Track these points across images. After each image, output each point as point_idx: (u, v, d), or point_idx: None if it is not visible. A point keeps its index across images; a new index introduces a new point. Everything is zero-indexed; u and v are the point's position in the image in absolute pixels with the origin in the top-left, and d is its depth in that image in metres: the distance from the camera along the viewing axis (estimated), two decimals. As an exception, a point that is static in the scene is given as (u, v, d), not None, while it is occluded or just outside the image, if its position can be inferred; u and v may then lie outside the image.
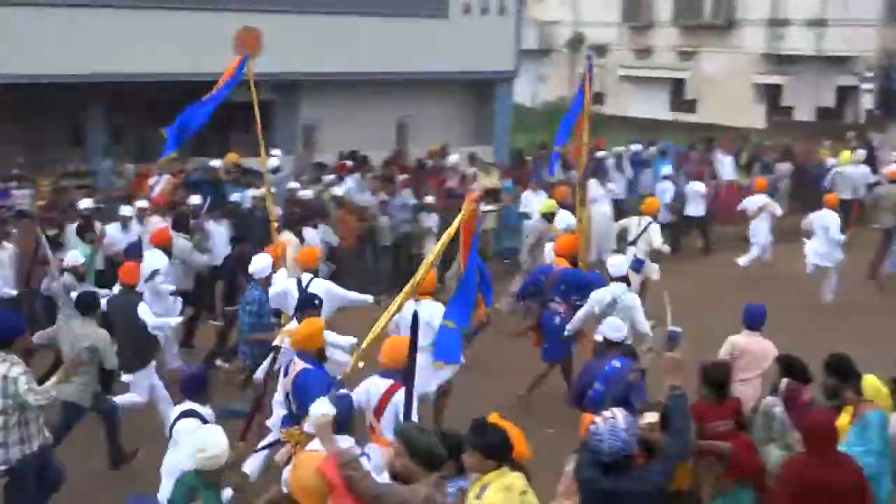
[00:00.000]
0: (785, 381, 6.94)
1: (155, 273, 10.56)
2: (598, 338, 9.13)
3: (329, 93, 20.10)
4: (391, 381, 6.81)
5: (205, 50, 17.30)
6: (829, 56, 31.66)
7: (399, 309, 6.87)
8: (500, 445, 5.20)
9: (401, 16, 19.98)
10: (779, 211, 16.00)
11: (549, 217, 13.24)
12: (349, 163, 17.38)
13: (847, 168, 18.70)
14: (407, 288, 6.86)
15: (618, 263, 10.13)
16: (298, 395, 6.88)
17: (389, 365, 6.89)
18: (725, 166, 20.05)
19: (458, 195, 16.30)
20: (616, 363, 7.91)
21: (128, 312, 9.30)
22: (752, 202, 15.98)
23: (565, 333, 10.08)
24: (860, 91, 31.03)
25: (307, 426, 6.01)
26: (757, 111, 33.15)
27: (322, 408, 5.47)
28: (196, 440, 5.61)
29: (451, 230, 7.03)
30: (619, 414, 5.20)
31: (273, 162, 16.08)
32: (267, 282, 9.61)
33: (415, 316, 6.36)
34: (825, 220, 14.37)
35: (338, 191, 15.08)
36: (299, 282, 9.42)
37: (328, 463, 5.11)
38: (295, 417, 6.93)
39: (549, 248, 11.44)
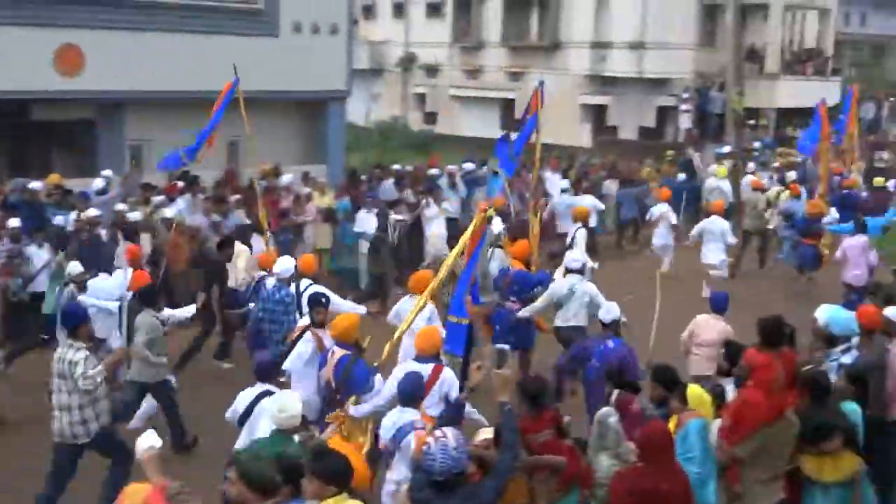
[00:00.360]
0: (616, 391, 7.14)
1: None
2: (558, 323, 10.79)
3: (155, 112, 19.50)
4: (433, 365, 7.79)
5: (24, 67, 16.53)
6: (650, 78, 33.08)
7: (421, 308, 8.37)
8: (339, 472, 5.20)
9: (229, 34, 19.62)
10: (674, 219, 18.09)
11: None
12: (179, 183, 16.89)
13: (723, 182, 20.92)
14: (428, 290, 8.41)
15: (575, 258, 11.38)
16: (340, 378, 7.86)
17: (426, 351, 7.92)
18: (554, 184, 20.58)
19: (291, 215, 16.20)
20: (610, 343, 9.04)
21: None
22: (653, 211, 18.27)
23: (521, 315, 10.80)
24: (679, 111, 32.54)
25: (351, 409, 7.50)
26: (583, 130, 34.27)
27: (148, 441, 5.38)
28: (277, 403, 6.57)
29: (463, 238, 8.58)
30: (449, 433, 5.27)
31: (98, 183, 15.52)
32: (289, 282, 10.42)
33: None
34: (717, 226, 16.55)
35: (168, 212, 14.65)
36: (297, 286, 10.43)
37: (155, 496, 4.94)
38: (336, 402, 7.79)
39: (497, 252, 12.34)
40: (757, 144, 29.15)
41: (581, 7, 33.89)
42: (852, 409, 7.27)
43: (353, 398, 7.75)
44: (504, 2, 36.73)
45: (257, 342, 10.33)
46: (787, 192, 18.98)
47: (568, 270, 11.15)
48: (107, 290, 10.74)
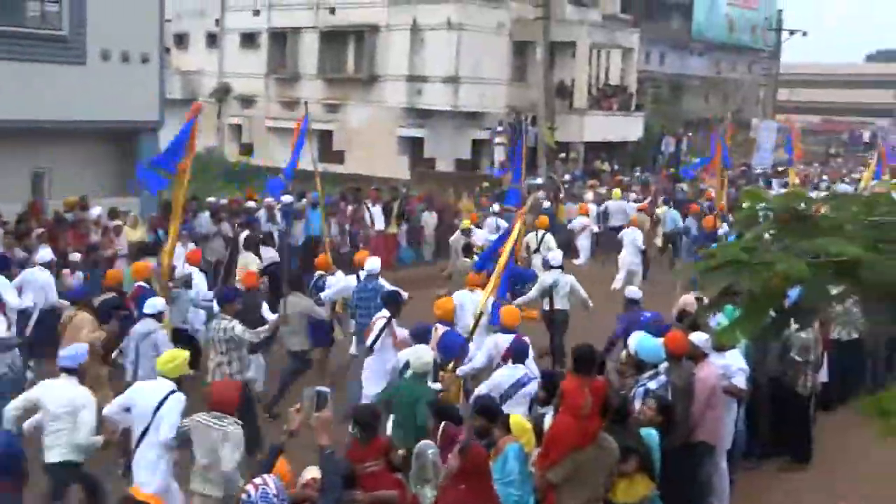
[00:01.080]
0: (442, 423, 7.22)
1: None
2: (547, 308, 13.29)
3: (-48, 142, 18.39)
4: (514, 335, 9.85)
5: None
6: (465, 111, 33.81)
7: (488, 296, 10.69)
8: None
9: (32, 61, 18.73)
10: (595, 229, 21.49)
11: (466, 232, 17.53)
12: (-22, 218, 15.93)
13: (618, 202, 23.25)
14: (489, 286, 10.76)
15: (556, 257, 14.03)
16: (443, 348, 9.86)
17: (508, 325, 10.13)
18: (376, 216, 20.67)
19: (100, 250, 15.54)
20: (646, 313, 10.93)
21: None
22: (576, 223, 21.13)
23: (517, 303, 12.43)
24: (493, 144, 33.37)
25: (458, 371, 9.77)
26: (401, 162, 34.61)
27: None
28: (415, 353, 8.66)
29: (512, 238, 11.22)
30: (270, 480, 5.46)
31: None
32: (376, 277, 12.27)
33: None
34: (632, 236, 18.64)
35: (-36, 248, 13.80)
36: (358, 278, 12.60)
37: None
38: (443, 366, 9.62)
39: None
40: (567, 177, 30.26)
41: (397, 41, 34.32)
42: (649, 433, 7.56)
43: (451, 363, 9.73)
44: (320, 34, 36.74)
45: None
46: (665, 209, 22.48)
47: (551, 267, 13.67)
48: None
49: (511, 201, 19.38)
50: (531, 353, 9.53)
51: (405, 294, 11.44)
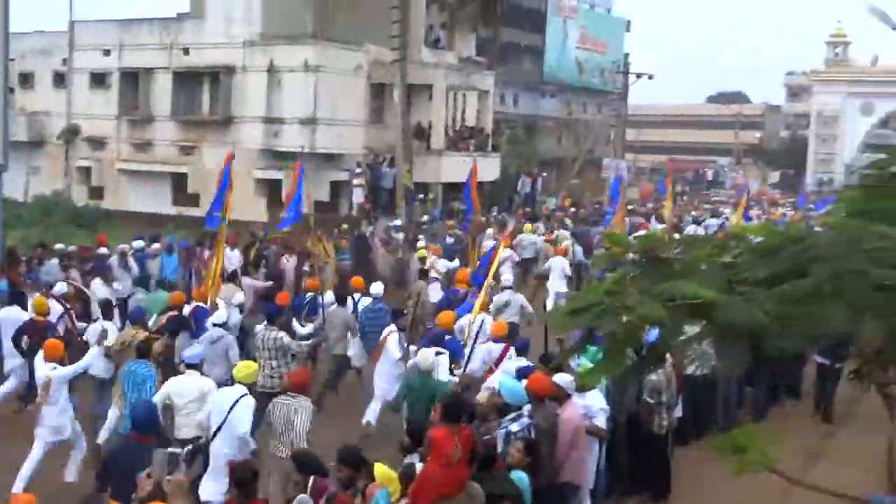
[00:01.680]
0: (312, 477, 7.10)
1: None
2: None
3: None
4: (504, 344, 11.95)
5: None
6: (323, 153, 33.66)
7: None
8: None
9: None
10: (517, 258, 22.92)
11: (422, 259, 20.05)
12: None
13: (529, 236, 25.63)
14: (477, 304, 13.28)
15: (508, 278, 17.31)
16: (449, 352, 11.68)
17: (498, 335, 12.20)
18: (232, 261, 20.24)
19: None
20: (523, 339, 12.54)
21: None
22: (503, 256, 21.04)
23: None
24: (351, 185, 33.32)
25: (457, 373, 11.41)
26: (259, 205, 34.09)
27: None
28: (421, 353, 11.17)
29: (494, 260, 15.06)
30: None
31: None
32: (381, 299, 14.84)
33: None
34: (559, 264, 20.77)
35: None
36: (354, 302, 15.05)
37: None
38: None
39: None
40: (426, 218, 30.46)
41: (253, 83, 33.94)
42: (519, 476, 7.64)
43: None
44: (174, 75, 35.99)
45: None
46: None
47: (505, 287, 16.27)
48: None
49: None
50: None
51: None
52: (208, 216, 15.98)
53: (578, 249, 24.52)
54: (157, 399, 9.87)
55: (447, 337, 12.24)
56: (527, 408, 8.73)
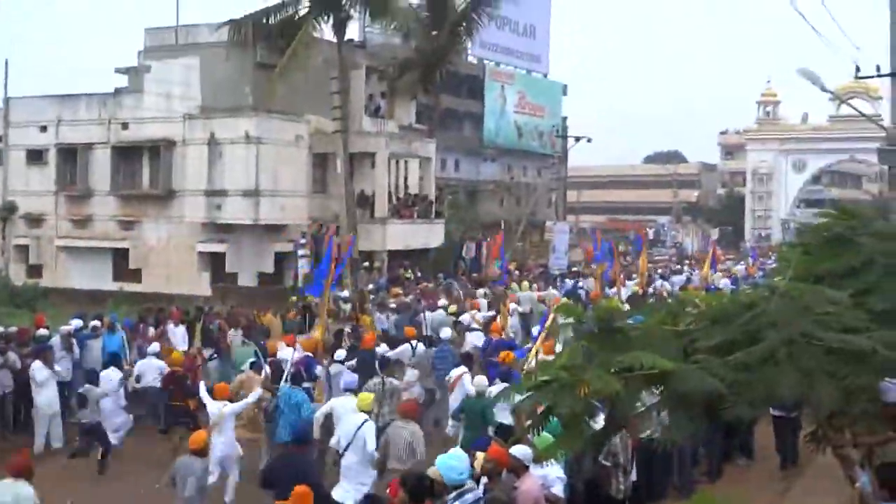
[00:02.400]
0: None
1: None
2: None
3: None
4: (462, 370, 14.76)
5: None
6: (266, 224, 33.51)
7: None
8: None
9: None
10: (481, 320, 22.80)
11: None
12: None
13: (525, 292, 27.10)
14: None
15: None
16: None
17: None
18: (177, 337, 19.94)
19: None
20: None
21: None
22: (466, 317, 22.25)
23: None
24: (296, 256, 33.12)
25: None
26: (202, 278, 33.76)
27: None
28: (477, 380, 13.53)
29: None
30: None
31: None
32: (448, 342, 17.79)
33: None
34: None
35: None
36: (415, 344, 17.62)
37: None
38: None
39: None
40: (371, 286, 30.35)
41: (194, 156, 33.78)
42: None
43: None
44: (113, 150, 35.70)
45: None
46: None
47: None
48: None
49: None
50: None
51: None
52: (312, 287, 19.86)
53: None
54: (320, 412, 12.69)
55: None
56: (469, 483, 8.44)
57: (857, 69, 24.53)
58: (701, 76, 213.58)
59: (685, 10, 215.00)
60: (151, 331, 20.08)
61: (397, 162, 39.36)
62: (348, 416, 11.72)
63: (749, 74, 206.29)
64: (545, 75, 64.51)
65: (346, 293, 27.05)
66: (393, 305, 25.25)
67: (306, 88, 33.55)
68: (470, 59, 54.70)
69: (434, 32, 40.95)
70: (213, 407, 12.86)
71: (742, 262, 47.44)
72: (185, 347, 19.69)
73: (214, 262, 34.16)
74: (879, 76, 22.87)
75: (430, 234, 38.77)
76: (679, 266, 43.29)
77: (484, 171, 57.99)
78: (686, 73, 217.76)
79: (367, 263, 33.74)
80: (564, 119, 64.21)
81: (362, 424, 11.35)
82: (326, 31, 33.26)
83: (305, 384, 14.57)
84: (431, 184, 41.45)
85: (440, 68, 41.73)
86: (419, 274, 36.18)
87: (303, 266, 32.31)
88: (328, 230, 18.42)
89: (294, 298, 26.26)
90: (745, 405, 5.49)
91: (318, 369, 15.68)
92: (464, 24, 41.75)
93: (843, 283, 5.74)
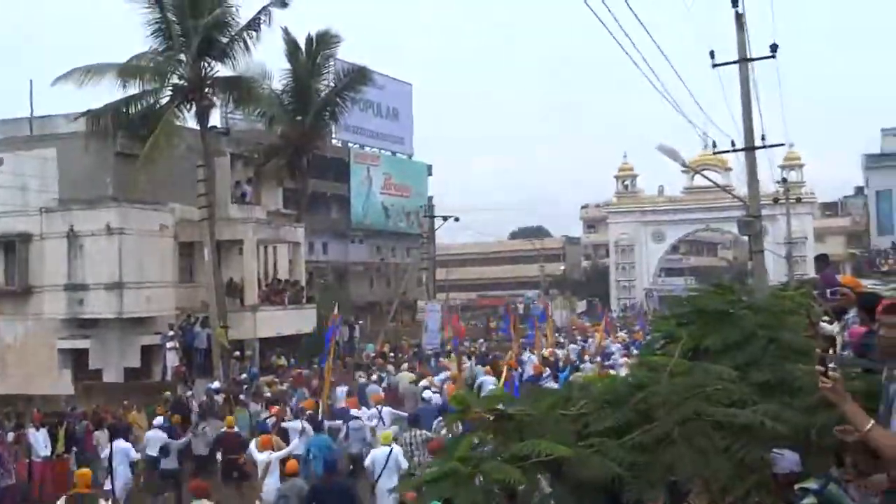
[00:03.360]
0: None
1: None
2: None
3: None
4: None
5: None
6: (131, 317, 32.38)
7: None
8: None
9: None
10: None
11: None
12: None
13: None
14: None
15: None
16: None
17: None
18: (39, 441, 18.92)
19: None
20: None
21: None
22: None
23: None
24: (164, 349, 32.04)
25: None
26: (64, 376, 32.27)
27: None
28: None
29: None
30: None
31: None
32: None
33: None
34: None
35: None
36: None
37: None
38: None
39: None
40: (244, 376, 29.63)
41: (53, 250, 32.54)
42: None
43: None
44: (-37, 246, 34.10)
45: None
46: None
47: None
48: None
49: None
50: None
51: None
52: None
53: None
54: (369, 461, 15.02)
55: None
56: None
57: (714, 144, 26.03)
58: (560, 153, 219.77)
59: (540, 88, 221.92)
60: (10, 436, 18.98)
61: (266, 248, 38.91)
62: (375, 453, 14.86)
63: (607, 150, 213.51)
64: (410, 156, 65.42)
65: (216, 384, 26.28)
66: (268, 394, 24.67)
67: (170, 177, 32.93)
68: (335, 142, 55.03)
69: (298, 118, 41.09)
70: (261, 457, 15.59)
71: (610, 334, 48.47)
72: (48, 452, 18.71)
73: (77, 359, 32.70)
74: (735, 150, 24.01)
75: (301, 320, 38.19)
76: (558, 337, 43.86)
77: (353, 252, 58.16)
78: (544, 150, 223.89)
79: (237, 353, 32.95)
80: (430, 199, 65.08)
81: (391, 452, 14.38)
82: (189, 118, 32.90)
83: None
84: (301, 268, 41.08)
85: (306, 153, 41.78)
86: (293, 360, 35.57)
87: (172, 359, 31.30)
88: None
89: (168, 393, 25.34)
90: (645, 485, 5.49)
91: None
92: (328, 108, 42.08)
93: (723, 357, 5.84)
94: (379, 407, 19.67)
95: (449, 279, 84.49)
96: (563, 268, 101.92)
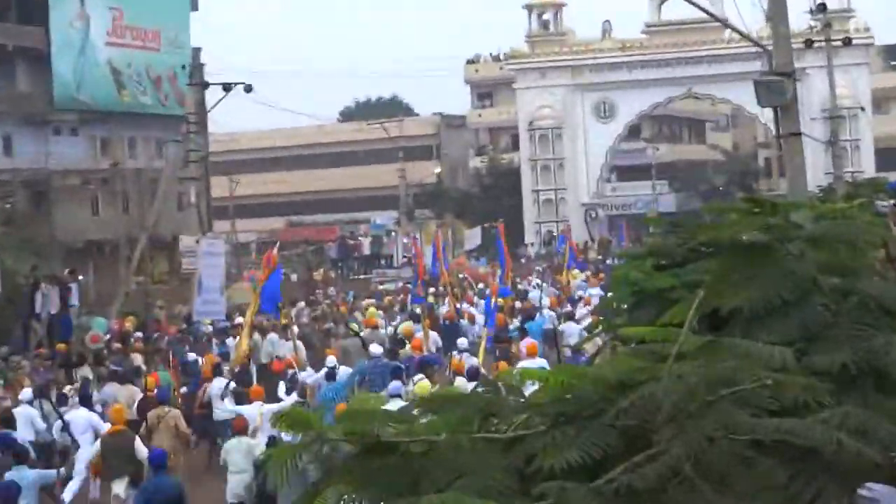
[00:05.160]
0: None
1: None
2: None
3: None
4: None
5: None
6: None
7: None
8: None
9: None
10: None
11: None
12: None
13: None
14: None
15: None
16: None
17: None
18: None
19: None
20: None
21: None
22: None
23: None
24: None
25: None
26: None
27: None
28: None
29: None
30: None
31: None
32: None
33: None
34: None
35: None
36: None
37: None
38: None
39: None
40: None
41: None
42: None
43: None
44: None
45: None
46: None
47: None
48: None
49: None
50: None
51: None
52: (268, 304, 18.22)
53: None
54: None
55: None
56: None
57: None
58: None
59: None
60: None
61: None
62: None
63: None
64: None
65: None
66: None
67: None
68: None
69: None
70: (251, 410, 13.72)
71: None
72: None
73: None
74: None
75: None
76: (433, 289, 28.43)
77: (60, 152, 36.84)
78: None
79: None
80: (198, 52, 42.05)
81: None
82: None
83: None
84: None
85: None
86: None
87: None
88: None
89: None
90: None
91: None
92: None
93: (764, 327, 3.42)
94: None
95: (234, 196, 57.59)
96: (437, 170, 63.25)
